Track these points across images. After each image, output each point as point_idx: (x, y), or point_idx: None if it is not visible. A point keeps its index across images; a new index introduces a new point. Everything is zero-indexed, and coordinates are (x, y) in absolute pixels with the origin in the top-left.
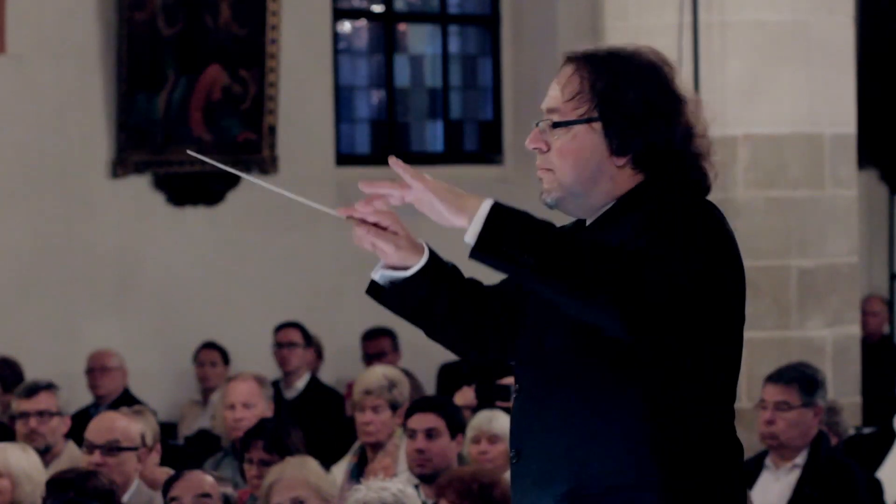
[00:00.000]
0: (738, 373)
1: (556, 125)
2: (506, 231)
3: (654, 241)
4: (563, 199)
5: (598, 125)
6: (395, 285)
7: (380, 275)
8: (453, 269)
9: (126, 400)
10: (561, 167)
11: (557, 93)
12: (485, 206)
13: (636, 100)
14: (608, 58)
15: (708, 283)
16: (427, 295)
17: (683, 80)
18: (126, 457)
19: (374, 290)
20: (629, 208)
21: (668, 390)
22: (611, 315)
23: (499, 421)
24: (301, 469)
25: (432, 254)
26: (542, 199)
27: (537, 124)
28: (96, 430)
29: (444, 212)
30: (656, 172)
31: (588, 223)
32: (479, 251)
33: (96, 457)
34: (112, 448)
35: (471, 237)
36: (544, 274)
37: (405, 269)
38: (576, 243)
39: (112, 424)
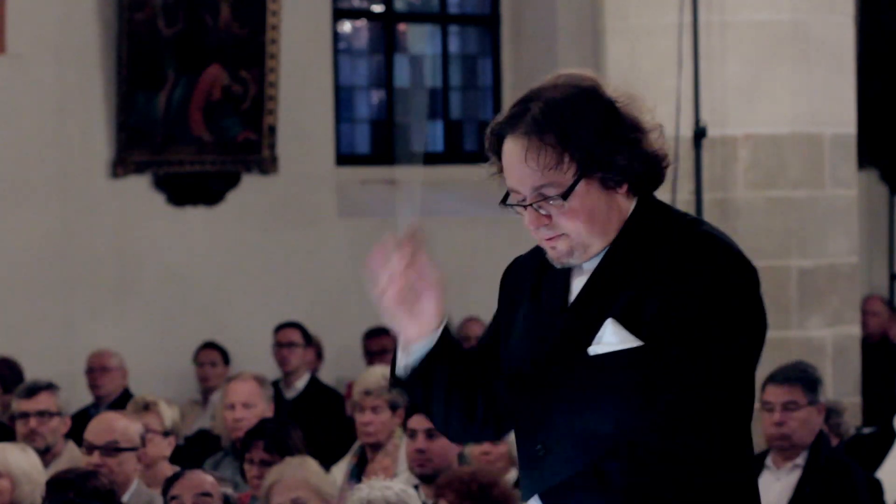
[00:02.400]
0: (750, 417)
1: (565, 196)
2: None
3: (678, 339)
4: (583, 254)
5: (591, 177)
6: (421, 365)
7: (404, 358)
8: (468, 357)
9: (126, 400)
10: (575, 228)
11: (532, 170)
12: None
13: (600, 132)
14: (551, 111)
15: (741, 362)
16: (433, 372)
17: (609, 83)
18: (125, 457)
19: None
20: (634, 241)
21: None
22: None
23: None
24: (301, 469)
25: (445, 334)
26: (560, 263)
27: (526, 206)
28: (95, 430)
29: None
30: (642, 188)
31: (580, 269)
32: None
33: (95, 458)
34: (111, 449)
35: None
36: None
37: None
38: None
39: (111, 425)
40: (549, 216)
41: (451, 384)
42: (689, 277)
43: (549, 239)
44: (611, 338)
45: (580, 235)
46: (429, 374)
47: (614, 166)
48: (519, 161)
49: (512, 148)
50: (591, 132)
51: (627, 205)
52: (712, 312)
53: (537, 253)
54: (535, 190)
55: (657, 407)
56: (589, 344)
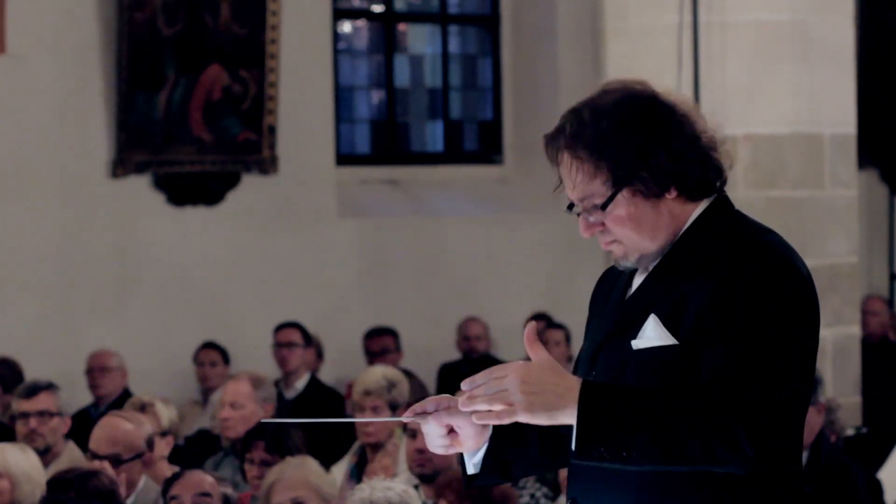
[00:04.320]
0: (804, 416)
1: (603, 207)
2: (600, 431)
3: (742, 345)
4: (640, 258)
5: (631, 184)
6: (488, 459)
7: (471, 464)
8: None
9: (126, 400)
10: (624, 234)
11: (575, 183)
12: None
13: (638, 141)
14: (585, 125)
15: (803, 366)
16: (516, 446)
17: (664, 88)
18: (130, 465)
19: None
20: (694, 242)
21: None
22: (734, 462)
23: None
24: (301, 469)
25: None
26: (619, 266)
27: (578, 215)
28: (100, 439)
29: (543, 420)
30: (699, 194)
31: (645, 270)
32: (581, 456)
33: (99, 465)
34: (114, 461)
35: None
36: (653, 461)
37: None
38: (673, 409)
39: (114, 434)
40: (601, 223)
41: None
42: (738, 278)
43: (606, 244)
44: (651, 333)
45: (631, 240)
46: (497, 463)
47: (654, 174)
48: (563, 174)
49: (560, 160)
50: (629, 142)
51: (683, 208)
52: (757, 310)
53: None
54: (581, 200)
55: (719, 383)
56: (635, 337)
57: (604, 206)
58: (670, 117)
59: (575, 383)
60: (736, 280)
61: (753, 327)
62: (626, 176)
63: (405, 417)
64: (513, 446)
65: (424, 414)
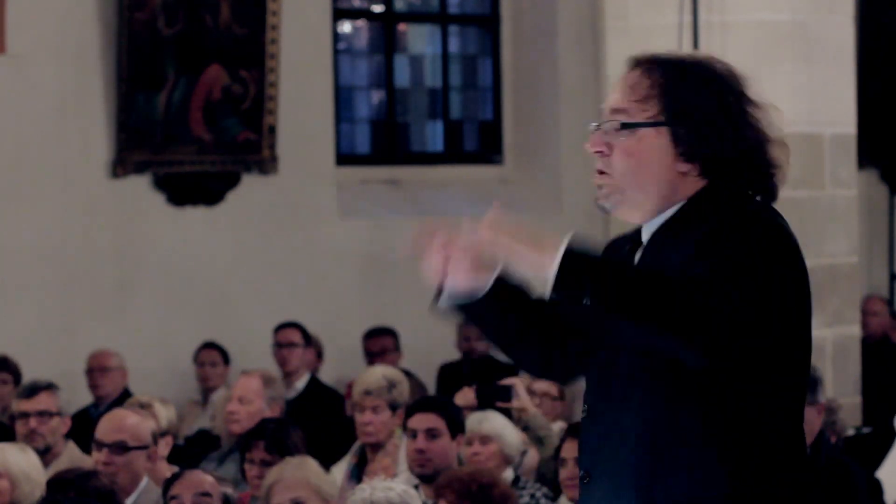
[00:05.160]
0: (807, 374)
1: (624, 126)
2: (577, 274)
3: (717, 266)
4: (620, 202)
5: (665, 130)
6: (462, 307)
7: (447, 298)
8: (521, 292)
9: (126, 400)
10: (621, 169)
11: (622, 93)
12: (559, 251)
13: (706, 107)
14: (679, 64)
15: (773, 304)
16: (493, 318)
17: (757, 90)
18: (134, 456)
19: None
20: (691, 217)
21: (738, 404)
22: (682, 345)
23: (490, 422)
24: (301, 469)
25: (498, 280)
26: (597, 203)
27: (598, 126)
28: (105, 428)
29: (524, 259)
30: (720, 178)
31: (646, 231)
32: (555, 292)
33: (104, 455)
34: (120, 448)
35: (548, 281)
36: (615, 312)
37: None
38: (643, 279)
39: (121, 424)
40: (609, 145)
41: (509, 325)
42: (723, 232)
43: (599, 172)
44: None
45: (624, 179)
46: (481, 313)
47: (693, 139)
48: (620, 81)
49: (625, 71)
50: (696, 97)
51: (690, 182)
52: (746, 263)
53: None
54: (613, 112)
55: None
56: None
57: (627, 126)
58: (741, 104)
59: (556, 234)
60: (720, 233)
61: (729, 260)
62: (668, 119)
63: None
64: (492, 320)
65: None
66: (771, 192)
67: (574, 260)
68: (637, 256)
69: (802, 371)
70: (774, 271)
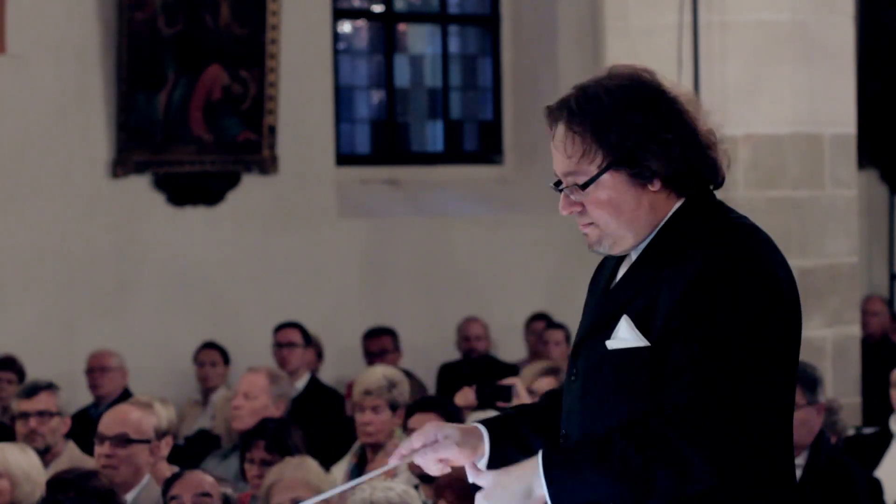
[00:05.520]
0: (791, 418)
1: (584, 186)
2: (572, 488)
3: (704, 344)
4: (613, 244)
5: (618, 170)
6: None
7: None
8: (517, 418)
9: (125, 400)
10: (601, 218)
11: (564, 157)
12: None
13: (642, 129)
14: (593, 101)
15: (774, 372)
16: (520, 451)
17: (670, 81)
18: (136, 450)
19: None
20: (669, 240)
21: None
22: (710, 476)
23: None
24: (301, 469)
25: (490, 431)
26: (592, 250)
27: (560, 190)
28: (108, 421)
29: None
30: (686, 189)
31: (629, 260)
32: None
33: (106, 448)
34: (122, 440)
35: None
36: (635, 494)
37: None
38: (635, 440)
39: (125, 417)
40: (580, 203)
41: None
42: (705, 278)
43: (583, 225)
44: (623, 334)
45: (608, 226)
46: (505, 449)
47: (645, 162)
48: (554, 146)
49: (554, 132)
50: (626, 125)
51: (666, 202)
52: (720, 313)
53: None
54: (566, 176)
55: (674, 404)
56: (608, 337)
57: (584, 186)
58: (670, 109)
59: (531, 460)
60: (703, 280)
61: (712, 340)
62: (615, 159)
63: (392, 463)
64: (516, 449)
65: (413, 453)
66: (718, 178)
67: (560, 488)
68: (622, 271)
69: (789, 404)
70: (767, 332)
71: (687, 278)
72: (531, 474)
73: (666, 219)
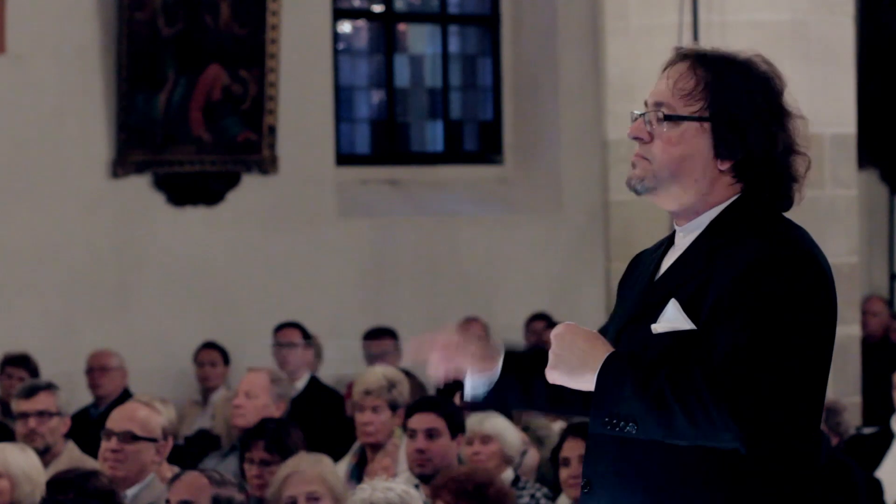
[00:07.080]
0: (821, 408)
1: (667, 118)
2: (611, 396)
3: (754, 317)
4: (655, 189)
5: (707, 126)
6: (491, 391)
7: (471, 388)
8: (536, 356)
9: (126, 400)
10: (662, 159)
11: (668, 87)
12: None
13: (748, 106)
14: (725, 61)
15: (814, 359)
16: (521, 389)
17: (792, 96)
18: (142, 446)
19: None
20: (726, 230)
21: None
22: (732, 439)
23: (490, 421)
24: (318, 465)
25: (508, 354)
26: (630, 184)
27: (641, 115)
28: (116, 418)
29: (562, 379)
30: (752, 185)
31: (682, 236)
32: (592, 427)
33: (113, 443)
34: (128, 437)
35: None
36: (652, 435)
37: (488, 373)
38: (673, 387)
39: (132, 414)
40: (650, 134)
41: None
42: (757, 266)
43: (637, 155)
44: (670, 317)
45: (661, 169)
46: (499, 398)
47: (735, 136)
48: (665, 75)
49: (671, 65)
50: (741, 97)
51: (725, 188)
52: (768, 298)
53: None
54: (656, 105)
55: (719, 363)
56: (655, 321)
57: (671, 118)
58: (786, 112)
59: (602, 353)
60: (755, 268)
61: (762, 314)
62: (712, 114)
63: (407, 357)
64: (520, 394)
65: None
66: (789, 203)
67: (605, 378)
68: (668, 262)
69: (818, 406)
70: (811, 319)
71: (742, 263)
72: (594, 364)
73: (722, 208)
